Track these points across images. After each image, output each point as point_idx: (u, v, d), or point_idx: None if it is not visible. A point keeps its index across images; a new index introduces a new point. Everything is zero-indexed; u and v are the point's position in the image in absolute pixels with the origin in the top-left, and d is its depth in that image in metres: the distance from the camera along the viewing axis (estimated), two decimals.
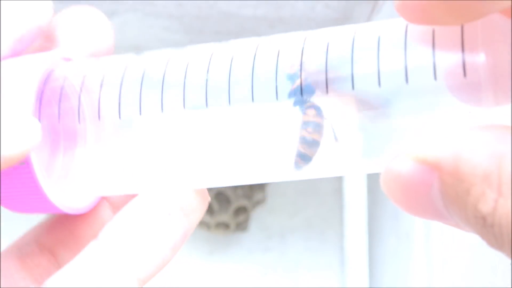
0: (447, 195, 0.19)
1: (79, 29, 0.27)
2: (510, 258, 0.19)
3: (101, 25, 0.28)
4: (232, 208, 0.77)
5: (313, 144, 0.23)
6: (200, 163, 0.24)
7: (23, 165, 0.24)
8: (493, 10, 0.19)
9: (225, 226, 0.78)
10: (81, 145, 0.25)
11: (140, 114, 0.24)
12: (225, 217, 0.77)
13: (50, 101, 0.26)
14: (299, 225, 0.81)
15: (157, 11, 0.67)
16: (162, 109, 0.24)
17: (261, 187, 0.80)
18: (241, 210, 0.78)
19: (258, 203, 0.80)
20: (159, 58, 0.25)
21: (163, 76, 0.25)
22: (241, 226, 0.79)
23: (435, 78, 0.21)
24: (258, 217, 0.81)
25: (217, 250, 0.81)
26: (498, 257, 0.19)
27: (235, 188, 0.78)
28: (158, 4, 0.65)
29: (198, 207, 0.25)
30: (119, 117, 0.25)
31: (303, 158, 0.23)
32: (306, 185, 0.82)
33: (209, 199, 0.26)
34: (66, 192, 0.26)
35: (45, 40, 0.27)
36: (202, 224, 0.78)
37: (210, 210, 0.78)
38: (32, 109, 0.24)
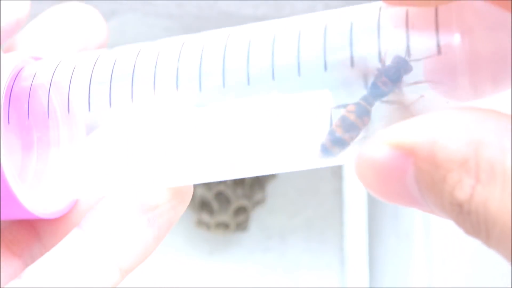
0: (423, 181, 0.19)
1: (71, 24, 0.27)
2: (487, 245, 0.18)
3: (94, 21, 0.28)
4: (232, 208, 0.77)
5: (352, 127, 0.22)
6: (184, 155, 0.24)
7: None
8: None
9: (225, 226, 0.78)
10: (55, 146, 0.25)
11: (110, 106, 0.24)
12: (225, 217, 0.77)
13: (19, 99, 0.25)
14: (299, 225, 0.81)
15: (157, 11, 0.67)
16: (132, 99, 0.23)
17: (261, 187, 0.80)
18: (241, 210, 0.78)
19: (258, 203, 0.80)
20: (129, 51, 0.25)
21: (133, 67, 0.24)
22: (241, 226, 0.79)
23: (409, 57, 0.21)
24: (258, 217, 0.81)
25: (217, 250, 0.81)
26: (498, 257, 0.18)
27: (235, 188, 0.78)
28: (158, 4, 0.65)
29: (182, 197, 0.25)
30: (89, 110, 0.24)
31: (338, 143, 0.22)
32: (306, 185, 0.82)
33: (191, 188, 0.25)
34: (41, 196, 0.25)
35: (36, 35, 0.27)
36: (202, 224, 0.78)
37: (210, 210, 0.78)
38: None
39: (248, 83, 0.22)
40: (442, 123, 0.19)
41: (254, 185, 0.79)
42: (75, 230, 0.24)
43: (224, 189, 0.77)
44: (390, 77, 0.21)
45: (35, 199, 0.25)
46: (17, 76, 0.25)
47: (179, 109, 0.23)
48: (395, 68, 0.21)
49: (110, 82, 0.24)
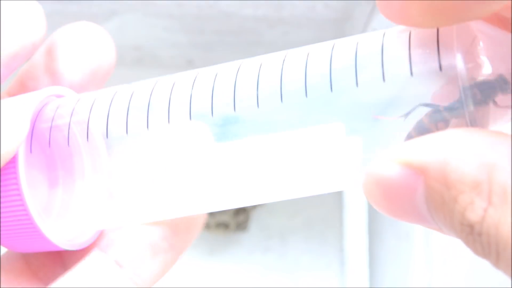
0: (433, 200, 0.19)
1: (79, 45, 0.27)
2: (496, 267, 0.18)
3: (102, 41, 0.28)
4: (232, 208, 0.77)
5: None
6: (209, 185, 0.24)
7: (20, 207, 0.24)
8: (473, 15, 0.19)
9: (225, 226, 0.78)
10: (79, 179, 0.25)
11: (127, 133, 0.24)
12: (225, 217, 0.77)
13: (43, 135, 0.26)
14: (299, 225, 0.81)
15: (157, 11, 0.67)
16: (147, 127, 0.24)
17: None
18: (241, 210, 0.78)
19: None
20: (147, 83, 0.25)
21: (150, 96, 0.24)
22: (241, 226, 0.79)
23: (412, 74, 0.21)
24: (258, 217, 0.81)
25: (217, 250, 0.81)
26: None
27: None
28: (158, 4, 0.65)
29: (197, 223, 0.25)
30: (107, 137, 0.25)
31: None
32: None
33: (205, 215, 0.26)
34: (67, 229, 0.26)
35: (46, 56, 0.27)
36: None
37: None
38: (24, 141, 0.24)
39: (258, 106, 0.23)
40: (454, 143, 0.19)
41: None
42: (96, 251, 0.25)
43: None
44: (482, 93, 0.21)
45: (61, 233, 0.26)
46: (39, 113, 0.26)
47: (195, 142, 0.24)
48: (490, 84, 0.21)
49: (128, 110, 0.25)
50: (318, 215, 0.81)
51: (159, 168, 0.24)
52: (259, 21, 0.67)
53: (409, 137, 0.21)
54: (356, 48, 0.22)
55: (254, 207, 0.80)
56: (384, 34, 0.22)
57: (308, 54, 0.23)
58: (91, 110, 0.25)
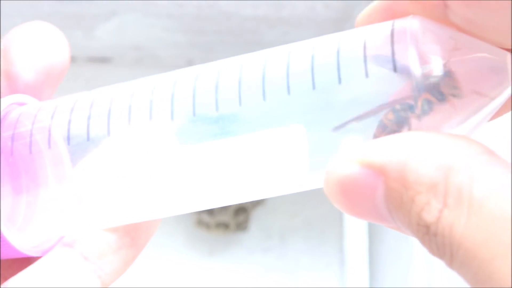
0: (391, 200, 0.19)
1: (32, 44, 0.27)
2: (450, 267, 0.19)
3: (55, 39, 0.28)
4: (232, 208, 0.77)
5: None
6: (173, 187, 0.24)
7: None
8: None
9: (225, 226, 0.78)
10: (43, 185, 0.25)
11: (88, 139, 0.24)
12: (225, 217, 0.77)
13: (5, 142, 0.26)
14: (299, 225, 0.81)
15: (157, 11, 0.67)
16: (108, 132, 0.24)
17: None
18: (241, 210, 0.78)
19: (258, 203, 0.80)
20: (107, 89, 0.26)
21: (110, 104, 0.25)
22: (241, 226, 0.79)
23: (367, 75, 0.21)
24: (258, 217, 0.81)
25: (217, 250, 0.81)
26: None
27: None
28: (158, 4, 0.65)
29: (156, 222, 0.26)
30: (68, 143, 0.25)
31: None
32: None
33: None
34: (32, 236, 0.26)
35: (1, 58, 0.27)
36: (202, 224, 0.78)
37: (210, 210, 0.78)
38: None
39: (217, 109, 0.23)
40: (414, 145, 0.19)
41: None
42: (60, 246, 0.25)
43: None
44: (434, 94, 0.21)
45: (26, 240, 0.26)
46: (0, 122, 0.26)
47: (156, 143, 0.24)
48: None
49: (89, 118, 0.25)
50: (318, 215, 0.81)
51: (122, 172, 0.24)
52: (259, 21, 0.67)
53: (375, 136, 0.22)
54: (313, 52, 0.23)
55: (254, 207, 0.80)
56: (340, 38, 0.23)
57: (266, 58, 0.23)
58: (52, 117, 0.25)
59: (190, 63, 0.77)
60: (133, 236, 0.26)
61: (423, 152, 0.19)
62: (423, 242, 0.19)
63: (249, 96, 0.23)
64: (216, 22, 0.68)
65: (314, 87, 0.22)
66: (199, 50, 0.75)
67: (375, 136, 0.22)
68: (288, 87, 0.22)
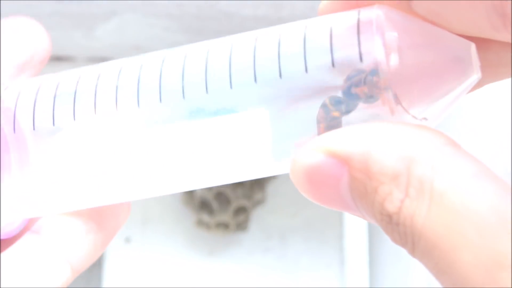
0: (356, 189, 0.20)
1: (10, 39, 0.28)
2: (412, 256, 0.19)
3: (34, 32, 0.28)
4: (232, 208, 0.77)
5: (335, 121, 0.22)
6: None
7: None
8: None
9: (225, 226, 0.78)
10: (6, 171, 0.25)
11: (54, 125, 0.24)
12: (225, 217, 0.77)
13: None
14: (299, 225, 0.81)
15: (157, 11, 0.67)
16: (74, 117, 0.24)
17: (261, 187, 0.80)
18: (241, 210, 0.78)
19: (258, 203, 0.80)
20: (70, 72, 0.26)
21: (76, 87, 0.25)
22: (241, 226, 0.79)
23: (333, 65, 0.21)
24: (258, 217, 0.81)
25: (217, 250, 0.81)
26: None
27: (235, 188, 0.78)
28: (158, 4, 0.65)
29: (127, 206, 0.26)
30: (33, 128, 0.25)
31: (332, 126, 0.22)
32: None
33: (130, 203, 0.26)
34: None
35: None
36: (202, 224, 0.78)
37: (210, 210, 0.78)
38: None
39: (184, 97, 0.23)
40: (378, 135, 0.20)
41: (254, 185, 0.79)
42: (28, 233, 0.25)
43: (224, 189, 0.77)
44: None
45: None
46: None
47: (122, 129, 0.24)
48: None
49: (54, 101, 0.25)
50: (318, 215, 0.81)
51: (86, 158, 0.25)
52: (259, 21, 0.67)
53: (317, 122, 0.22)
54: (279, 39, 0.23)
55: (254, 207, 0.80)
56: (306, 26, 0.23)
57: (232, 44, 0.23)
58: (17, 101, 0.25)
59: None
60: (98, 221, 0.26)
61: (386, 142, 0.19)
62: (386, 231, 0.19)
63: (216, 82, 0.23)
64: (216, 22, 0.68)
65: (280, 76, 0.22)
66: None
67: (318, 121, 0.22)
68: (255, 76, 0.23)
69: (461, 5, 0.20)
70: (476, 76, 0.21)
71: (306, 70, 0.22)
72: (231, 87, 0.23)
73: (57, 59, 0.77)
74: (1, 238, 0.26)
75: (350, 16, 0.22)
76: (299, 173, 0.21)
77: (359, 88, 0.21)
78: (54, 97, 0.25)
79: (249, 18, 0.66)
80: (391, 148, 0.19)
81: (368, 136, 0.20)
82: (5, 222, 0.26)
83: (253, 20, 0.67)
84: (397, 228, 0.19)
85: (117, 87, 0.24)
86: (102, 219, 0.26)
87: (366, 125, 0.20)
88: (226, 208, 0.78)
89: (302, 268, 0.80)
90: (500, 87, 0.61)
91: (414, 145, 0.19)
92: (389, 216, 0.19)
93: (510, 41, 0.20)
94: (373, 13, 0.21)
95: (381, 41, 0.21)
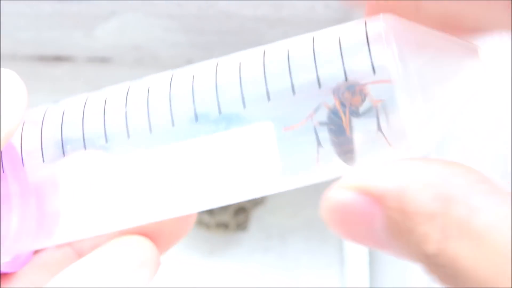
0: (391, 229, 0.19)
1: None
2: None
3: (14, 86, 0.27)
4: (232, 208, 0.77)
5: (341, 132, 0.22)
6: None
7: None
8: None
9: (225, 226, 0.78)
10: (5, 203, 0.25)
11: (44, 161, 0.25)
12: (225, 217, 0.77)
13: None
14: (299, 225, 0.81)
15: (157, 11, 0.67)
16: (64, 153, 0.25)
17: None
18: (241, 210, 0.78)
19: (258, 203, 0.80)
20: (77, 101, 0.26)
21: (61, 121, 0.25)
22: (241, 226, 0.79)
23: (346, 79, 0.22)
24: (258, 217, 0.81)
25: (217, 250, 0.81)
26: None
27: None
28: (158, 4, 0.65)
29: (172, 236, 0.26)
30: (23, 165, 0.25)
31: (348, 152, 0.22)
32: (306, 185, 0.81)
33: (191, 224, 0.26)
34: (5, 253, 0.26)
35: None
36: (202, 224, 0.78)
37: (210, 210, 0.78)
38: None
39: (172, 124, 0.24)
40: (412, 173, 0.19)
41: None
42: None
43: None
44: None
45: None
46: None
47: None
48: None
49: (41, 135, 0.26)
50: (318, 215, 0.81)
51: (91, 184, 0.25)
52: (259, 21, 0.67)
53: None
54: (288, 52, 0.23)
55: (254, 207, 0.80)
56: (314, 38, 0.23)
57: (240, 62, 0.23)
58: (22, 134, 0.26)
59: (190, 63, 0.77)
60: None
61: (421, 180, 0.19)
62: (428, 271, 0.19)
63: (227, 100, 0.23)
64: (216, 22, 0.68)
65: (294, 92, 0.22)
66: (199, 50, 0.75)
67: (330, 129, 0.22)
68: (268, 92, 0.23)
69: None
70: (483, 79, 0.21)
71: (319, 86, 0.22)
72: (244, 106, 0.23)
73: (57, 59, 0.77)
74: (10, 271, 0.26)
75: (357, 29, 0.22)
76: (330, 211, 0.21)
77: (354, 98, 0.21)
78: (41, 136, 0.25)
79: (249, 18, 0.66)
80: (425, 186, 0.19)
81: (400, 173, 0.19)
82: (9, 255, 0.26)
83: (253, 20, 0.67)
84: (440, 270, 0.19)
85: (126, 113, 0.24)
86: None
87: (399, 161, 0.20)
88: (226, 208, 0.78)
89: (302, 268, 0.80)
90: (500, 87, 0.61)
91: (448, 184, 0.19)
92: (427, 258, 0.19)
93: None
94: (380, 27, 0.21)
95: (392, 55, 0.21)
